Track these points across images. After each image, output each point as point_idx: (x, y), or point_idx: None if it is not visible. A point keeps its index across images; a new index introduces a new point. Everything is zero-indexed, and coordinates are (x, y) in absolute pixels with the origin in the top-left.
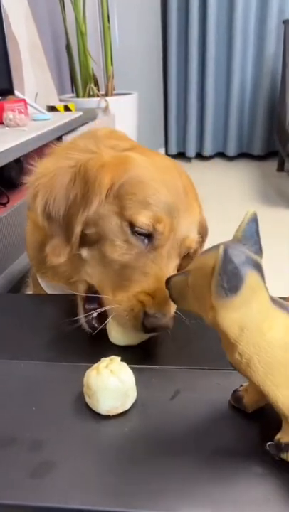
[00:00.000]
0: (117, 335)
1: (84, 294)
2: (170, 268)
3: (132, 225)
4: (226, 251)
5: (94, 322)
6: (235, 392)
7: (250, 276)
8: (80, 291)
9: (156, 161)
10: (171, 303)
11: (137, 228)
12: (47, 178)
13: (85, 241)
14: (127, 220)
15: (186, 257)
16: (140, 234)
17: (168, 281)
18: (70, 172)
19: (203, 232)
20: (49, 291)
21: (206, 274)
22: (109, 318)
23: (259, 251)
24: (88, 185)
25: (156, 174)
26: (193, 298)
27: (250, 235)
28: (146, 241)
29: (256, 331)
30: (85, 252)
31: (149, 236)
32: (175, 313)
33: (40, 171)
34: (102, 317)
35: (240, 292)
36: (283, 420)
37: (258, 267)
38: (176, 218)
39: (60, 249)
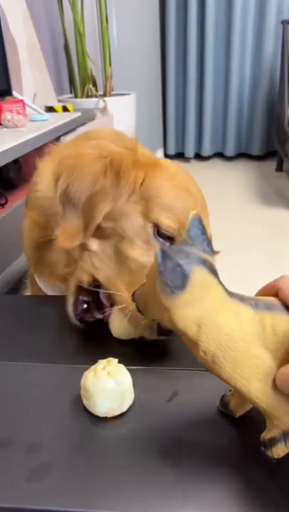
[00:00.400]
0: (120, 329)
1: (77, 286)
2: None
3: (155, 227)
4: (162, 250)
5: (82, 314)
6: (223, 397)
7: (196, 272)
8: (83, 281)
9: (181, 170)
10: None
11: (162, 231)
12: (73, 159)
13: (97, 233)
14: (151, 222)
15: None
16: (163, 237)
17: (133, 294)
18: (101, 161)
19: None
20: (47, 291)
21: (154, 276)
22: (113, 312)
23: (208, 249)
24: (120, 178)
25: (183, 182)
26: (152, 305)
27: (195, 234)
28: (167, 244)
29: (213, 326)
30: (95, 245)
31: (171, 240)
32: None
33: (60, 149)
34: (90, 311)
35: (188, 289)
36: (265, 416)
37: (207, 264)
38: None
39: (74, 234)
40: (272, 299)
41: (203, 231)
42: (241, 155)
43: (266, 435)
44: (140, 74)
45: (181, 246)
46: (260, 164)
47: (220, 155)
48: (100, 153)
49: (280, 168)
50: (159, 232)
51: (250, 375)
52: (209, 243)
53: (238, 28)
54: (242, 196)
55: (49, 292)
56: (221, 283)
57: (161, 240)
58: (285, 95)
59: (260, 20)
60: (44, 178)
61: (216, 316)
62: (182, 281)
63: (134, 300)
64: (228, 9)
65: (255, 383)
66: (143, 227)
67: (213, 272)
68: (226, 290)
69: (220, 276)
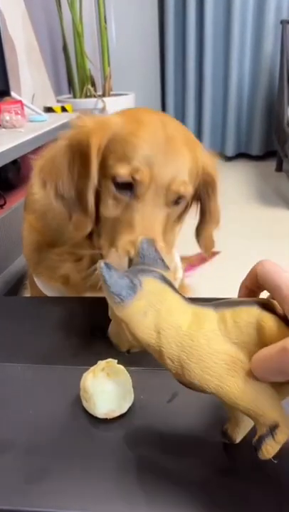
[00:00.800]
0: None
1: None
2: (156, 216)
3: (114, 180)
4: (105, 263)
5: None
6: (222, 427)
7: (146, 281)
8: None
9: (136, 118)
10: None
11: (118, 182)
12: (49, 164)
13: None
14: (110, 177)
15: (179, 205)
16: (122, 187)
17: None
18: (67, 151)
19: (206, 175)
20: (46, 292)
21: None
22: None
23: (161, 265)
24: (83, 155)
25: (134, 130)
26: (120, 331)
27: (146, 256)
28: (129, 193)
29: (172, 328)
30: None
31: (131, 187)
32: None
33: (40, 162)
34: None
35: (138, 296)
36: (250, 417)
37: (157, 274)
38: (155, 165)
39: (81, 222)
40: (234, 299)
41: (155, 251)
42: (241, 155)
43: (255, 437)
44: (139, 74)
45: (135, 263)
46: (259, 164)
47: (219, 155)
48: (63, 144)
49: (279, 168)
50: (116, 183)
51: (220, 373)
52: (163, 262)
53: (237, 28)
54: (241, 196)
55: (48, 293)
56: (177, 292)
57: (123, 190)
58: (284, 95)
59: (259, 20)
60: (38, 181)
61: (173, 319)
62: (130, 289)
63: (110, 337)
64: (227, 9)
65: (228, 381)
66: (107, 186)
67: (167, 281)
68: (184, 298)
69: (218, 276)
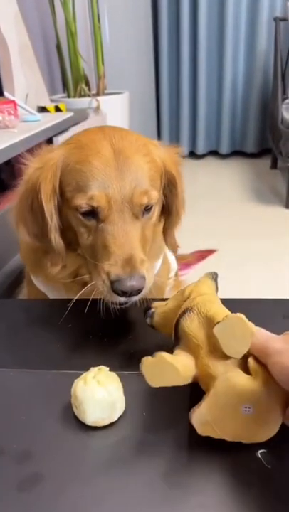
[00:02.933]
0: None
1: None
2: (128, 231)
3: (77, 210)
4: None
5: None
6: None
7: None
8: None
9: (78, 144)
10: (140, 264)
11: (81, 211)
12: (17, 207)
13: (76, 242)
14: (73, 208)
15: (150, 212)
16: (88, 214)
17: (150, 308)
18: (26, 196)
19: (167, 173)
20: (45, 291)
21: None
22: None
23: None
24: (40, 200)
25: (79, 157)
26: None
27: None
28: (94, 219)
29: None
30: (80, 251)
31: (95, 214)
32: None
33: (14, 203)
34: None
35: None
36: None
37: None
38: (110, 186)
39: (54, 258)
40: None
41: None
42: (236, 153)
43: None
44: (133, 73)
45: None
46: (254, 162)
47: (214, 153)
48: (24, 189)
49: (274, 165)
50: (82, 213)
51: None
52: None
53: (230, 25)
54: (237, 194)
55: (48, 293)
56: None
57: (88, 217)
58: (278, 92)
59: (253, 18)
60: (13, 222)
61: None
62: None
63: (152, 316)
64: (221, 7)
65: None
66: (74, 217)
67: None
68: None
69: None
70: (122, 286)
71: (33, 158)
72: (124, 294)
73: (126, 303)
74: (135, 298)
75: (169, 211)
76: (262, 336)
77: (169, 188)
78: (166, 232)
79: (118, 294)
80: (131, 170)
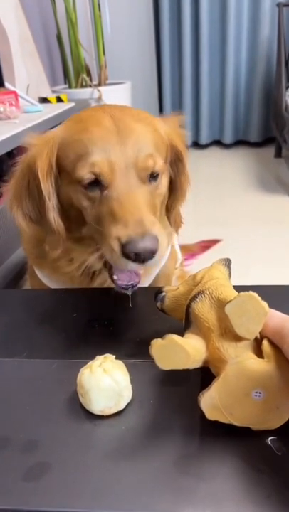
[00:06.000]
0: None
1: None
2: (135, 195)
3: (81, 183)
4: None
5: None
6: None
7: None
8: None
9: (78, 119)
10: (151, 225)
11: (84, 183)
12: (13, 189)
13: (79, 221)
14: (75, 182)
15: (156, 180)
16: (92, 185)
17: (160, 292)
18: (23, 175)
19: (173, 147)
20: (49, 284)
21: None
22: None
23: None
24: (36, 178)
25: (78, 129)
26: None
27: None
28: (98, 189)
29: None
30: (84, 230)
31: (98, 183)
32: None
33: (8, 186)
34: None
35: None
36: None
37: None
38: (112, 151)
39: (54, 241)
40: None
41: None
42: (239, 142)
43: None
44: (135, 62)
45: None
46: (258, 151)
47: (218, 143)
48: (20, 169)
49: (278, 154)
50: (84, 185)
51: None
52: None
53: (233, 12)
54: (241, 183)
55: (52, 286)
56: None
57: (92, 188)
58: (282, 80)
59: (256, 4)
60: (7, 205)
61: None
62: None
63: (162, 299)
64: None
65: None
66: (77, 191)
67: None
68: None
69: None
70: (135, 248)
71: (31, 138)
72: (137, 257)
73: (137, 275)
74: (149, 262)
75: (174, 187)
76: (277, 317)
77: (175, 163)
78: (171, 208)
79: (130, 259)
80: (133, 136)
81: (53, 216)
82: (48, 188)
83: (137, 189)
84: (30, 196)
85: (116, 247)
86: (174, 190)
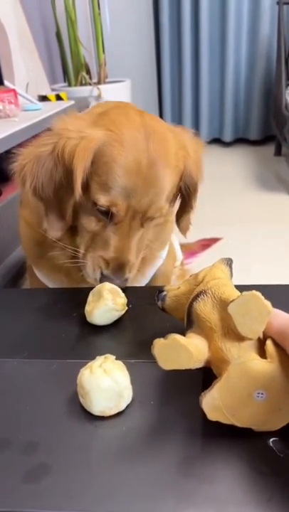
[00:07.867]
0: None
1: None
2: (131, 237)
3: (95, 203)
4: None
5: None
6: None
7: None
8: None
9: (118, 134)
10: (128, 271)
11: (98, 207)
12: (30, 164)
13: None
14: (91, 199)
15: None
16: (100, 212)
17: (161, 291)
18: (50, 159)
19: (190, 178)
20: (48, 283)
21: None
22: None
23: None
24: (67, 171)
25: (115, 154)
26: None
27: None
28: (108, 216)
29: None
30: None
31: (110, 213)
32: None
33: (21, 159)
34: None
35: None
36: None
37: None
38: (134, 198)
39: (56, 224)
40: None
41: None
42: (239, 140)
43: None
44: (134, 60)
45: None
46: (258, 149)
47: (217, 141)
48: (48, 150)
49: (278, 152)
50: (97, 207)
51: None
52: None
53: (233, 10)
54: (241, 181)
55: (50, 285)
56: None
57: (103, 213)
58: (282, 78)
59: (256, 1)
60: (17, 178)
61: None
62: None
63: (164, 299)
64: None
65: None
66: (89, 204)
67: None
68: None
69: None
70: (108, 280)
71: (67, 118)
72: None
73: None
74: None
75: (183, 202)
76: (281, 317)
77: (188, 188)
78: (181, 219)
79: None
80: (155, 186)
81: (70, 209)
82: (79, 190)
83: (136, 231)
84: (51, 180)
85: (97, 270)
86: (184, 204)
